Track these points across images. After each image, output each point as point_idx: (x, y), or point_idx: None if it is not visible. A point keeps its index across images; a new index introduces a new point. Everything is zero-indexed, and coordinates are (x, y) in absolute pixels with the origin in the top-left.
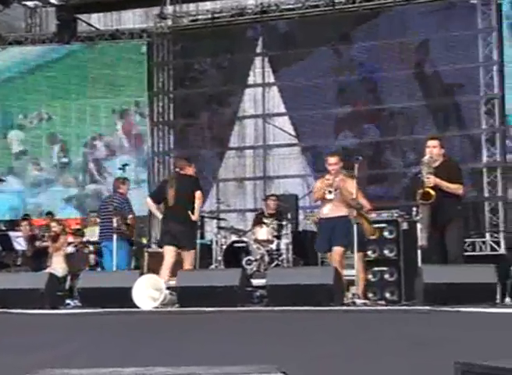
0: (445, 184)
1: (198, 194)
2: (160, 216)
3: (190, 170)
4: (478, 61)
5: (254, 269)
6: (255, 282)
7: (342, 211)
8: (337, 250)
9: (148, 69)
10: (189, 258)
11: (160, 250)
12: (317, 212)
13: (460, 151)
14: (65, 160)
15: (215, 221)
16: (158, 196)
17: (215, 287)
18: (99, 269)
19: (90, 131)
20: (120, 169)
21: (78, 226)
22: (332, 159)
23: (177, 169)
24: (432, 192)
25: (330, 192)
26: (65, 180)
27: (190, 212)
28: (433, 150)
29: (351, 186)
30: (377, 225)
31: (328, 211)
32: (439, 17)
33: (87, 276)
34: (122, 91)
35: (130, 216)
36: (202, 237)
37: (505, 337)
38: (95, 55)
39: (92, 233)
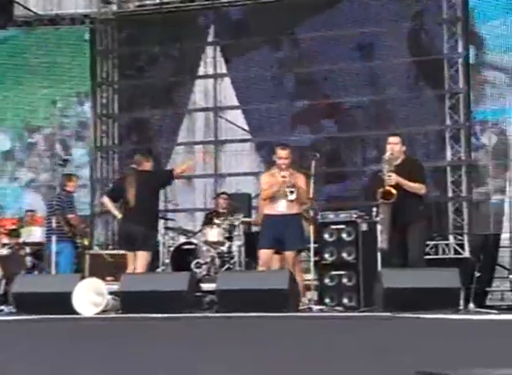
0: (407, 183)
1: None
2: (119, 215)
3: (147, 166)
4: (442, 53)
5: (204, 272)
6: (205, 287)
7: (296, 209)
8: (290, 254)
9: (91, 57)
10: (141, 259)
11: (101, 252)
12: (258, 214)
13: (422, 148)
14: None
15: (162, 221)
16: (115, 194)
17: (161, 292)
18: (36, 272)
19: (28, 123)
20: (60, 164)
21: (14, 227)
22: (283, 153)
23: (134, 166)
24: (394, 191)
25: (292, 192)
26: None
27: (151, 213)
28: (394, 147)
29: (302, 182)
30: (335, 226)
31: (283, 208)
32: (400, 6)
33: (22, 281)
34: (63, 80)
35: (71, 216)
36: None
37: (468, 344)
38: (33, 42)
39: (28, 234)
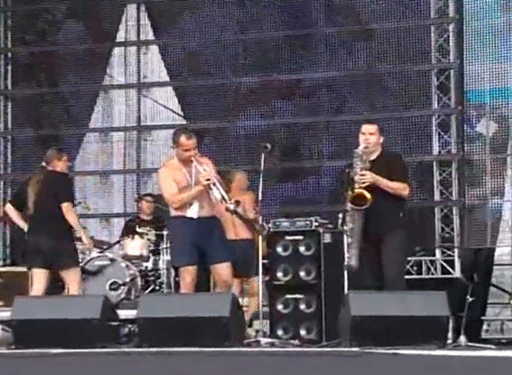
0: (385, 183)
1: (65, 207)
2: (25, 226)
3: (58, 164)
4: (428, 17)
5: (122, 295)
6: (123, 314)
7: (214, 210)
8: (226, 266)
9: None
10: (72, 278)
11: None
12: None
13: (402, 139)
14: None
15: None
16: (17, 201)
17: (66, 321)
18: None
19: None
20: None
21: None
22: (191, 141)
23: (43, 164)
24: (367, 195)
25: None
26: None
27: (58, 221)
28: (370, 138)
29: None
30: (290, 237)
31: (198, 209)
32: None
33: None
34: None
35: None
36: None
37: None
38: None
39: None
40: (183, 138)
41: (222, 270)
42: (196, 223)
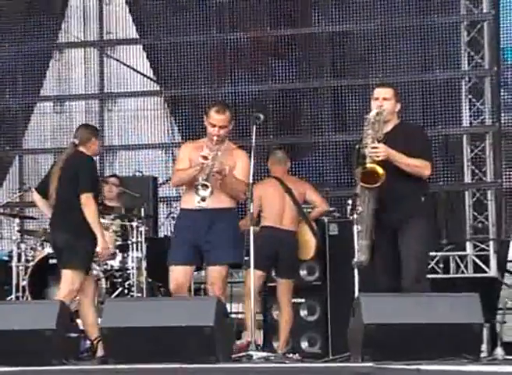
0: (403, 160)
1: (84, 198)
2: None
3: (92, 147)
4: None
5: None
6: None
7: (224, 201)
8: (221, 270)
9: None
10: (65, 280)
11: None
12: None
13: (425, 108)
14: None
15: (16, 221)
16: (42, 186)
17: (14, 333)
18: None
19: None
20: None
21: None
22: (220, 116)
23: (75, 141)
24: (381, 170)
25: (205, 187)
26: None
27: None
28: (384, 104)
29: (242, 165)
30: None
31: (208, 196)
32: None
33: None
34: None
35: None
36: None
37: None
38: None
39: None
40: (212, 110)
41: (212, 273)
42: (199, 216)
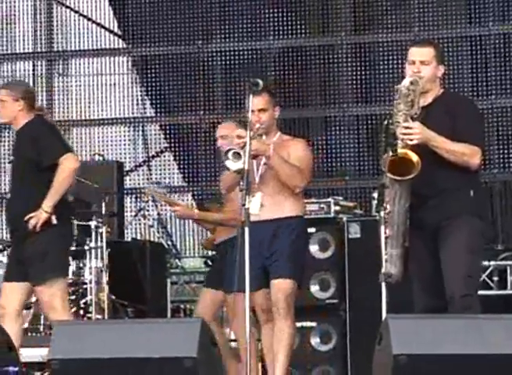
0: (444, 144)
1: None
2: None
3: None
4: None
5: (25, 325)
6: (26, 354)
7: (285, 208)
8: (285, 284)
9: None
10: (48, 298)
11: None
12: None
13: (475, 74)
14: None
15: None
16: None
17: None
18: None
19: None
20: None
21: None
22: (255, 99)
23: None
24: (415, 157)
25: (237, 152)
26: None
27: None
28: (422, 69)
29: (298, 155)
30: None
31: (259, 203)
32: None
33: None
34: None
35: None
36: None
37: None
38: None
39: None
40: (254, 92)
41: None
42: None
